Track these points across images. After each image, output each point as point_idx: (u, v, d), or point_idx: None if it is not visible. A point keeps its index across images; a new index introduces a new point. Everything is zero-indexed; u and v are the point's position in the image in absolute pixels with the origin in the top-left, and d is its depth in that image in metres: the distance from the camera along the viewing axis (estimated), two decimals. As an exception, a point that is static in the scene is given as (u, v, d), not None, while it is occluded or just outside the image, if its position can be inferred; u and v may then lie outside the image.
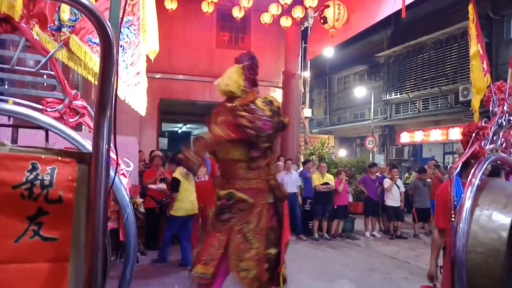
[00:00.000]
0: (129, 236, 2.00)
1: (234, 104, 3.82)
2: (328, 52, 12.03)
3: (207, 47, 10.73)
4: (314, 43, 11.63)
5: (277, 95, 11.10)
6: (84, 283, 1.35)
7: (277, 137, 4.11)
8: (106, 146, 1.36)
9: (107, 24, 1.24)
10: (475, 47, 2.96)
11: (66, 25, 1.98)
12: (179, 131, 23.64)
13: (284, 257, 3.90)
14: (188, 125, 22.07)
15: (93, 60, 2.06)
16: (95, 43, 2.06)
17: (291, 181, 8.62)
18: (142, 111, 2.34)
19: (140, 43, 2.20)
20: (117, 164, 2.00)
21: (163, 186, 6.94)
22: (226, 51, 10.88)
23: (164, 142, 19.53)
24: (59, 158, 1.35)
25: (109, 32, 1.24)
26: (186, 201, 6.13)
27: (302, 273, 6.25)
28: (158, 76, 10.07)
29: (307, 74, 12.43)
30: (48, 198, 1.33)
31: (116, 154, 1.65)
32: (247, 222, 3.84)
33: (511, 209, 2.42)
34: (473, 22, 3.00)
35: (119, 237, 2.21)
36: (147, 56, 2.42)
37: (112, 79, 1.29)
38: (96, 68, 2.09)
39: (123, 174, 2.33)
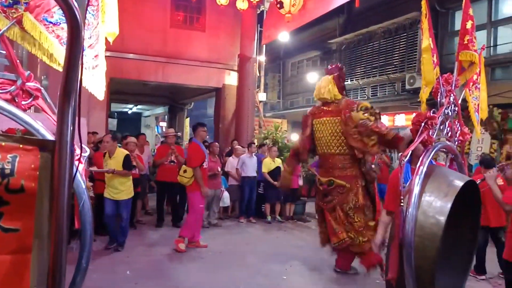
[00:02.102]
0: (85, 224, 1.95)
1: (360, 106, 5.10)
2: (283, 36, 12.07)
3: (161, 26, 10.39)
4: (269, 27, 11.63)
5: (233, 78, 11.04)
6: (48, 274, 1.31)
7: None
8: (71, 134, 1.32)
9: (75, 6, 1.18)
10: (427, 40, 3.10)
11: (20, 1, 1.85)
12: (130, 111, 22.93)
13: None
14: (139, 106, 21.47)
15: (49, 41, 1.94)
16: (51, 22, 1.94)
17: (251, 165, 8.69)
18: (100, 95, 2.26)
19: (99, 24, 2.11)
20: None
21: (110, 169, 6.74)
22: (181, 31, 10.62)
23: (113, 123, 18.88)
24: (21, 145, 1.29)
25: (77, 15, 1.18)
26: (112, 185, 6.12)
27: (255, 256, 6.38)
28: (108, 54, 9.57)
29: (262, 58, 12.44)
30: (9, 187, 1.26)
31: (80, 141, 1.59)
32: (346, 202, 5.17)
33: (451, 197, 2.60)
34: (426, 16, 3.14)
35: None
36: (106, 38, 2.33)
37: (79, 64, 1.24)
38: (53, 49, 1.98)
39: (78, 160, 2.25)
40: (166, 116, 20.78)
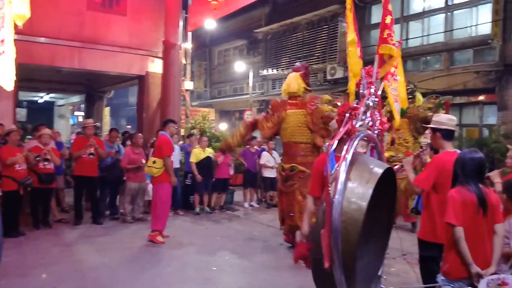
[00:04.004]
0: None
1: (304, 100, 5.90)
2: (210, 24, 11.88)
3: (76, 8, 9.58)
4: (195, 14, 11.37)
5: (157, 65, 10.60)
6: None
7: None
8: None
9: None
10: (352, 34, 3.18)
11: None
12: (41, 100, 21.11)
13: None
14: (51, 94, 19.87)
15: None
16: None
17: (174, 155, 8.46)
18: (9, 86, 1.97)
19: (5, 5, 1.82)
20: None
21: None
22: (99, 15, 9.93)
23: (22, 113, 17.35)
24: None
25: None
26: None
27: (184, 248, 6.27)
28: (15, 37, 8.74)
29: (188, 45, 12.13)
30: None
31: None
32: (305, 186, 5.33)
33: (372, 184, 2.73)
34: (351, 10, 3.21)
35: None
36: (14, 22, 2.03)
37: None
38: None
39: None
40: (82, 105, 19.53)
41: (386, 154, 7.30)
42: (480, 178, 2.98)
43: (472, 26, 11.25)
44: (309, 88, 6.33)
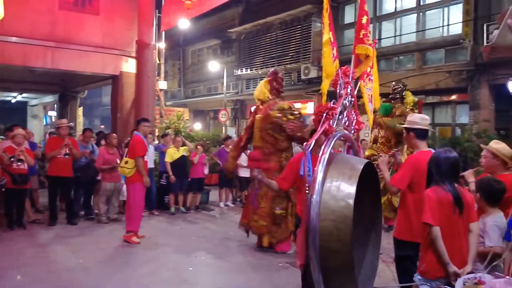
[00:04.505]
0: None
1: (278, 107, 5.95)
2: (183, 23, 11.81)
3: (48, 7, 9.35)
4: (168, 14, 11.29)
5: (130, 65, 10.48)
6: None
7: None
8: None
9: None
10: (327, 35, 3.26)
11: None
12: (13, 101, 20.52)
13: None
14: (24, 94, 19.31)
15: None
16: None
17: (149, 156, 8.41)
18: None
19: None
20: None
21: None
22: (71, 14, 9.74)
23: (-7, 114, 16.79)
24: None
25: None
26: None
27: (159, 249, 6.24)
28: (-13, 38, 8.52)
29: (162, 45, 12.04)
30: None
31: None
32: (261, 190, 5.97)
33: (355, 179, 2.76)
34: (327, 11, 3.29)
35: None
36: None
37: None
38: None
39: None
40: (56, 105, 19.05)
41: (368, 152, 7.50)
42: (455, 177, 2.99)
43: (443, 26, 11.38)
44: (277, 93, 6.39)
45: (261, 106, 6.30)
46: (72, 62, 9.80)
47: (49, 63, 9.52)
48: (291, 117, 5.97)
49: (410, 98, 7.67)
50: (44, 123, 22.43)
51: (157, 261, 5.63)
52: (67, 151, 7.22)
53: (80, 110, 17.04)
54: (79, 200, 7.97)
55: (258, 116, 6.24)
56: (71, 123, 8.32)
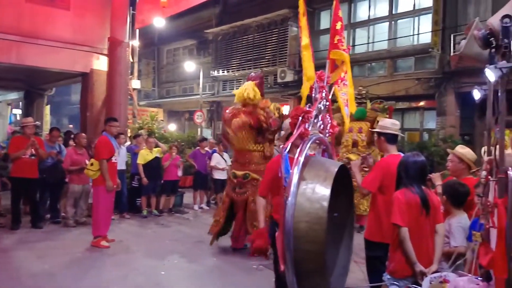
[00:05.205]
0: None
1: (256, 106, 5.87)
2: (158, 22, 11.61)
3: (14, 0, 9.03)
4: (143, 11, 11.08)
5: (102, 63, 10.20)
6: None
7: (277, 132, 6.08)
8: None
9: None
10: (306, 39, 3.22)
11: None
12: (-25, 98, 19.68)
13: None
14: (-14, 92, 18.56)
15: None
16: None
17: (120, 157, 8.19)
18: None
19: None
20: None
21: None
22: (39, 8, 9.40)
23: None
24: None
25: None
26: None
27: (130, 253, 6.07)
28: None
29: (135, 43, 11.79)
30: None
31: None
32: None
33: (330, 182, 2.78)
34: (304, 15, 3.25)
35: None
36: None
37: None
38: None
39: None
40: (21, 103, 18.39)
41: (353, 156, 7.57)
42: (422, 180, 3.10)
43: (414, 35, 11.78)
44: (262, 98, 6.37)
45: (244, 108, 6.13)
46: (39, 58, 9.45)
47: (14, 58, 9.15)
48: (277, 115, 6.06)
49: (369, 103, 8.04)
50: (8, 121, 21.65)
51: (128, 266, 5.46)
52: (33, 152, 6.93)
53: (47, 109, 16.52)
54: (45, 202, 7.67)
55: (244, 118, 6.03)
56: (37, 122, 8.01)
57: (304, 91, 3.39)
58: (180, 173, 9.38)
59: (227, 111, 6.44)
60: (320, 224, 2.62)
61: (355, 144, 7.87)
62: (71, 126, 25.33)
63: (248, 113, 6.04)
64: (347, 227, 3.52)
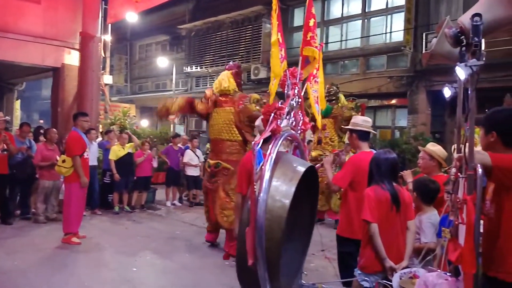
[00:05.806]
0: None
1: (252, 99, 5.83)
2: (131, 17, 11.46)
3: (-19, -9, 8.76)
4: (116, 6, 10.90)
5: (73, 57, 10.00)
6: None
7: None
8: None
9: None
10: (275, 35, 3.29)
11: None
12: None
13: None
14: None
15: None
16: None
17: (91, 153, 8.09)
18: None
19: None
20: None
21: None
22: (9, 1, 9.16)
23: None
24: None
25: None
26: None
27: (102, 249, 6.03)
28: None
29: (107, 37, 11.60)
30: None
31: None
32: (228, 183, 5.83)
33: (295, 182, 2.81)
34: (276, 12, 3.32)
35: None
36: None
37: None
38: None
39: None
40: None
41: (314, 153, 7.71)
42: (393, 177, 3.14)
43: (386, 33, 11.92)
44: (239, 87, 6.35)
45: (221, 98, 6.10)
46: (8, 51, 9.19)
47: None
48: (258, 108, 5.97)
49: (342, 100, 8.14)
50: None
51: (99, 262, 5.43)
52: (5, 147, 6.78)
53: (17, 103, 16.08)
54: (14, 198, 7.52)
55: (228, 108, 6.01)
56: (7, 117, 7.78)
57: (272, 88, 3.44)
58: (155, 164, 9.37)
59: (207, 92, 6.35)
60: (279, 223, 2.64)
61: (319, 141, 8.05)
62: (42, 121, 24.59)
63: (231, 102, 6.02)
64: (307, 227, 3.52)
